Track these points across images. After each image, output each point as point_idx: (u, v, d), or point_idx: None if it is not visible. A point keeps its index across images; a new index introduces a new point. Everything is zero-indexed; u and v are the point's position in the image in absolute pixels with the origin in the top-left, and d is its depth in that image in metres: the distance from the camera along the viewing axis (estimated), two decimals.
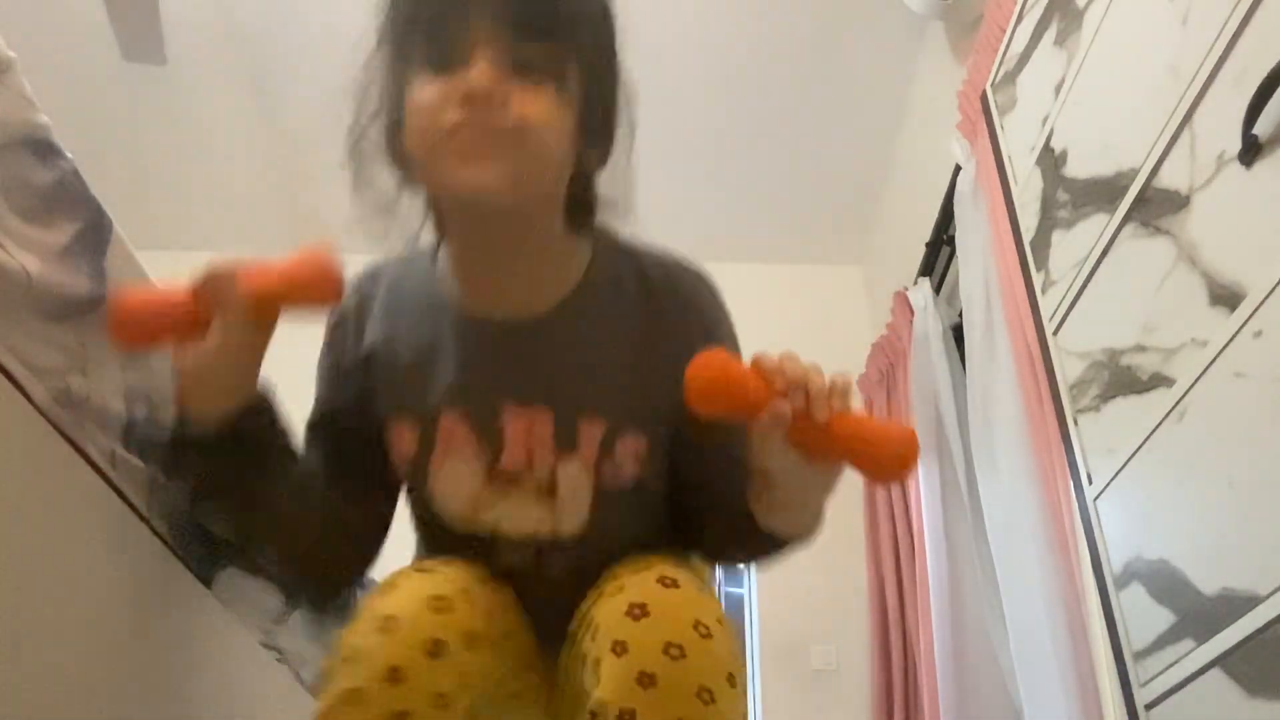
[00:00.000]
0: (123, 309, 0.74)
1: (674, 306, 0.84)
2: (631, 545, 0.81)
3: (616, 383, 0.83)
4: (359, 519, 0.87)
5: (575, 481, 0.82)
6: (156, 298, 0.75)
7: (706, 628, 0.68)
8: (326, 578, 0.91)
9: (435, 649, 0.69)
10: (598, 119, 0.79)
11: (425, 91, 0.72)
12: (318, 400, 0.90)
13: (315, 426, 0.89)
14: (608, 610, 0.71)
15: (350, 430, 0.87)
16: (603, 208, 0.84)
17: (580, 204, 0.82)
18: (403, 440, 0.85)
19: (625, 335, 0.83)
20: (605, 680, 0.66)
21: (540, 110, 0.72)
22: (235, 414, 0.74)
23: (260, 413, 0.78)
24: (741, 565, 0.90)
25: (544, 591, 0.84)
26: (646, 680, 0.65)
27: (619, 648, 0.67)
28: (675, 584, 0.71)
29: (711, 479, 0.85)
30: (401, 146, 0.77)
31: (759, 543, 0.80)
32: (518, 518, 0.83)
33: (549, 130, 0.73)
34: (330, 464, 0.86)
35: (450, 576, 0.77)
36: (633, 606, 0.69)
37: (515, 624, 0.84)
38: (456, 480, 0.83)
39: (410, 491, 0.90)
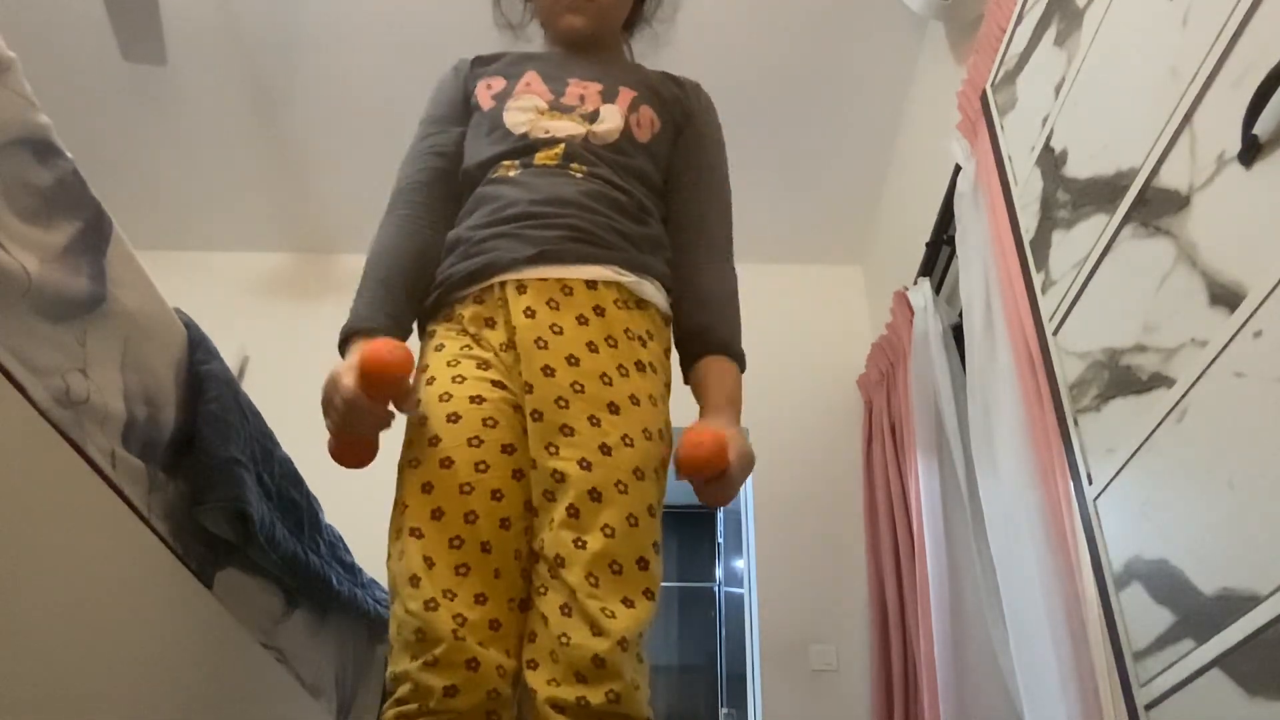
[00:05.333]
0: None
1: (693, 91, 1.40)
2: (618, 216, 1.17)
3: (646, 82, 1.34)
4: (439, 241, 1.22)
5: (611, 114, 1.26)
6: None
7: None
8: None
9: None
10: None
11: None
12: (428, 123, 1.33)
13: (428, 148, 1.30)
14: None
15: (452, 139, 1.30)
16: (644, 25, 1.47)
17: (630, 23, 1.44)
18: (490, 88, 1.31)
19: (647, 74, 1.37)
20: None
21: None
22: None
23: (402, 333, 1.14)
24: None
25: (552, 202, 1.15)
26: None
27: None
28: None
29: (675, 217, 1.34)
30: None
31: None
32: (564, 127, 1.23)
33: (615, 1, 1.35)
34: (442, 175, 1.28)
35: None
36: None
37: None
38: (525, 107, 1.26)
39: (477, 138, 1.27)
